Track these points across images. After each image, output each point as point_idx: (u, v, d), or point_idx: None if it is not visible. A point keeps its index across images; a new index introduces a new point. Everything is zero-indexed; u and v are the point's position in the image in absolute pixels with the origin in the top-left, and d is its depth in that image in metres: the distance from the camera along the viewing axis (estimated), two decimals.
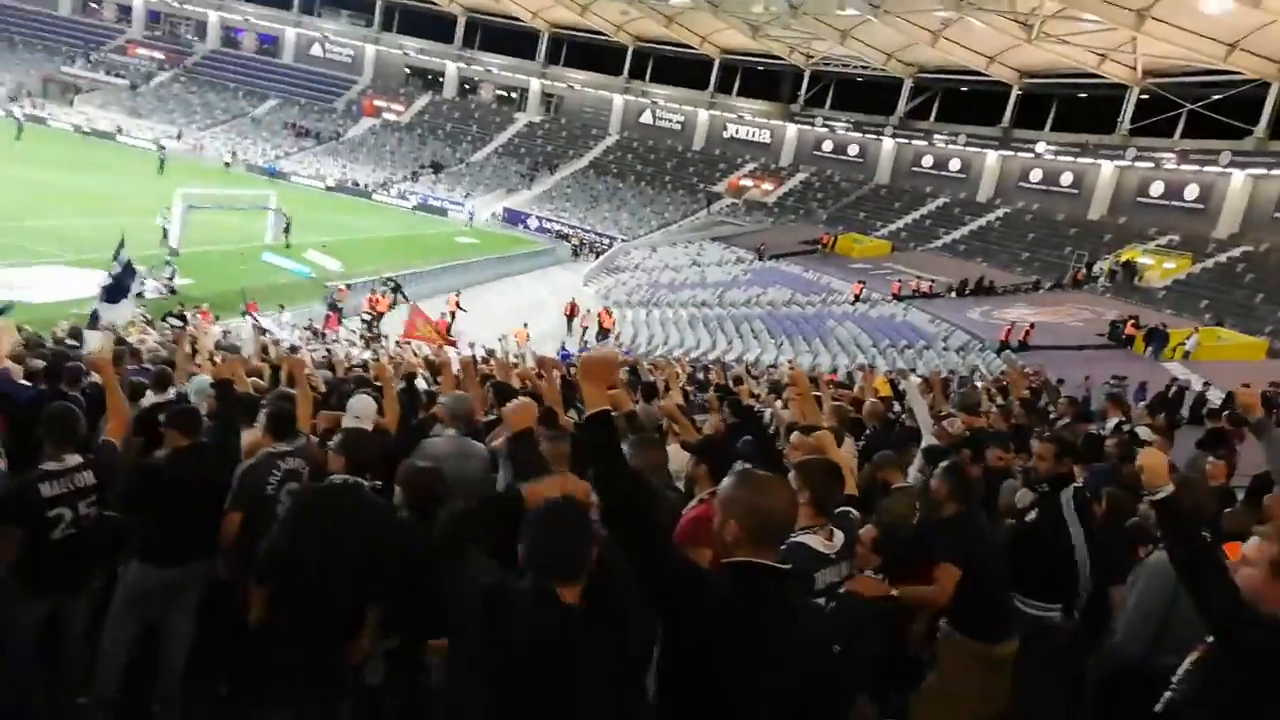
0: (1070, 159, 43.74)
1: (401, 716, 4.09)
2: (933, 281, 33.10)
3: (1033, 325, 25.19)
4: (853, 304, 31.55)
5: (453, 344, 20.86)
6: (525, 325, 25.06)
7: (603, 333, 28.49)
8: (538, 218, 49.94)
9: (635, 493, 2.21)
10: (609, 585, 2.40)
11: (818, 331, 27.92)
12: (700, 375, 14.59)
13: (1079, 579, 4.44)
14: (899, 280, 33.50)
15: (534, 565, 2.33)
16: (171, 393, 5.86)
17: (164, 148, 47.01)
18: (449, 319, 25.54)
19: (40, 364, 7.10)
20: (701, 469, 3.58)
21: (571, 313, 29.23)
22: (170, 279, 22.44)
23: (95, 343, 11.43)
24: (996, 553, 4.14)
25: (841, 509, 3.50)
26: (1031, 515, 4.56)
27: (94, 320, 14.43)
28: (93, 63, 61.97)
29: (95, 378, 7.00)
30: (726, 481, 2.24)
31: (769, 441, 4.62)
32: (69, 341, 10.78)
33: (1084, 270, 35.30)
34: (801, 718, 2.10)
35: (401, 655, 3.97)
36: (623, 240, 46.30)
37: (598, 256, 43.86)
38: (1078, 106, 44.71)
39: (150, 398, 6.28)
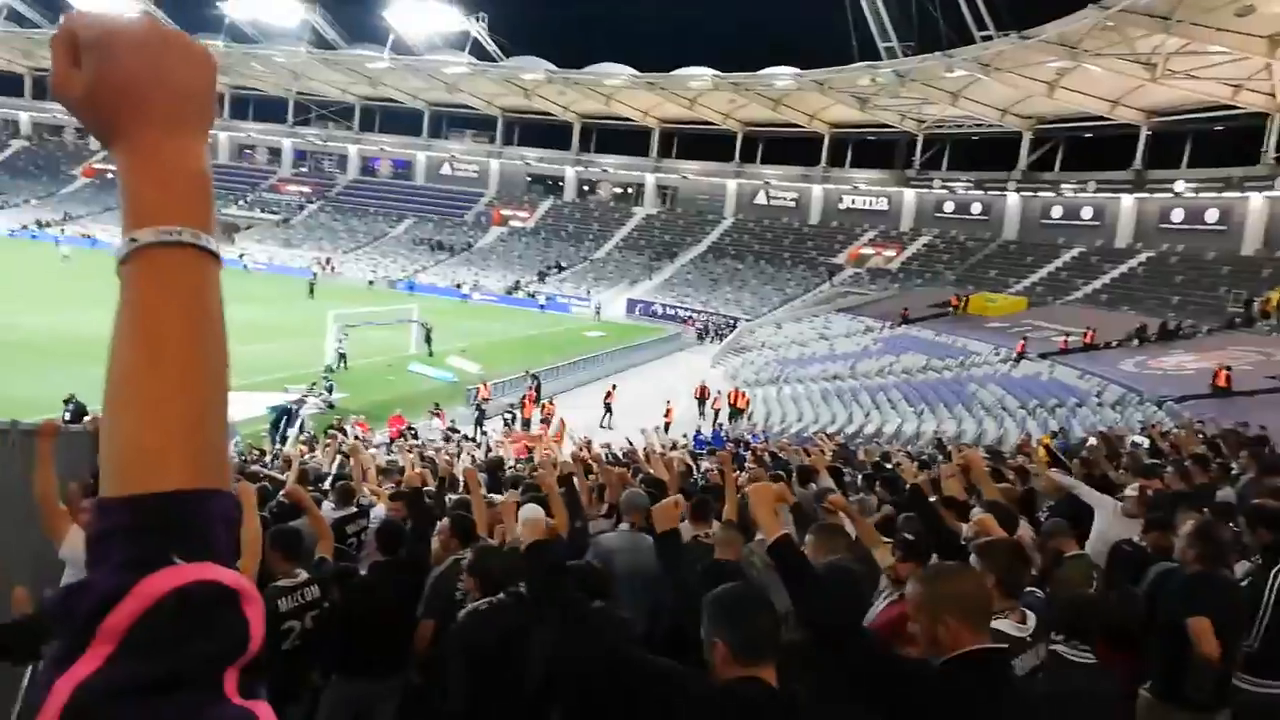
0: (1213, 195, 41.40)
1: None
2: (1092, 332, 31.18)
3: (1229, 369, 23.23)
4: (1016, 362, 30.10)
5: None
6: (669, 403, 26.31)
7: (736, 413, 28.41)
8: (661, 305, 50.85)
9: (837, 603, 2.32)
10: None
11: (959, 397, 26.92)
12: (848, 453, 14.32)
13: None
14: (1065, 336, 31.66)
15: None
16: (354, 507, 6.25)
17: (315, 274, 50.63)
18: (606, 411, 26.21)
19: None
20: (908, 566, 3.53)
21: (702, 395, 29.34)
22: (329, 392, 23.99)
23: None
24: (1237, 620, 3.93)
25: (1028, 589, 3.44)
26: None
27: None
28: (249, 203, 68.14)
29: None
30: (920, 582, 2.28)
31: (938, 519, 4.54)
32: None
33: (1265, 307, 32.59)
34: None
35: None
36: (746, 320, 46.48)
37: (723, 339, 44.09)
38: (1215, 140, 42.51)
39: (331, 512, 6.73)
